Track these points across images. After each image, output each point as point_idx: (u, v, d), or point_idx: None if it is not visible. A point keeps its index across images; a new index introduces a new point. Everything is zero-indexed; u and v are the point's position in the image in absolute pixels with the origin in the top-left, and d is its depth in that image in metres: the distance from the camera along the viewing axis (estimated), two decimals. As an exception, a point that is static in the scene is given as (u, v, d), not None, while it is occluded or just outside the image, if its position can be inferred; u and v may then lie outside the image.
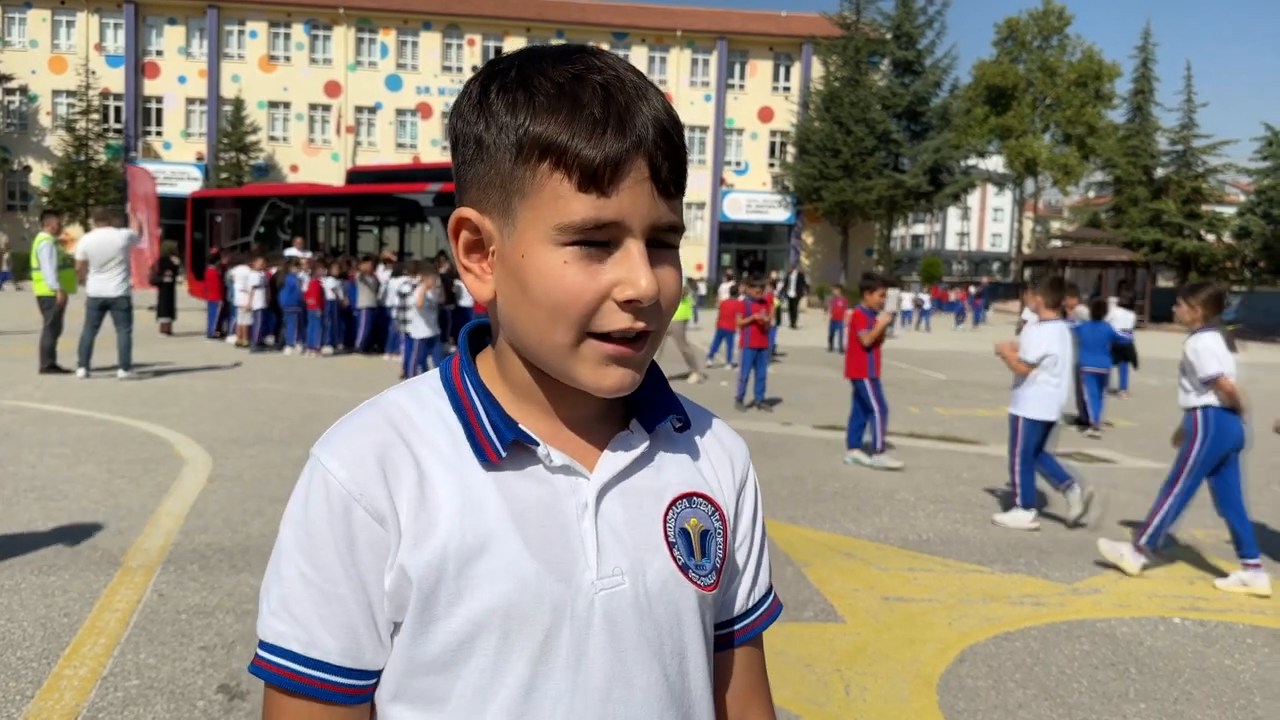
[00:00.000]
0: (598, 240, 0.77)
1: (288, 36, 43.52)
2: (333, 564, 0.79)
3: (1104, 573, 5.27)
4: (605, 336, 0.79)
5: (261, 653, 0.80)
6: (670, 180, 0.78)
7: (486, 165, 0.79)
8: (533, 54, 0.81)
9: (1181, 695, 3.73)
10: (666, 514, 0.86)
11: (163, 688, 3.35)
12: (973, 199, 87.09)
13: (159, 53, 42.93)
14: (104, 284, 10.82)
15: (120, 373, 10.97)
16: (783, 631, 4.15)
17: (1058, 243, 48.10)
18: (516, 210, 0.78)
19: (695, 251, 45.48)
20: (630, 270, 0.77)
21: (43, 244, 11.06)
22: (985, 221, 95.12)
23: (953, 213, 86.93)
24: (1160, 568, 5.43)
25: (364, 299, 15.44)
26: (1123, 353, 12.93)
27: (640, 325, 0.79)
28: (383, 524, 0.79)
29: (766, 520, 5.17)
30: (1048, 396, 6.17)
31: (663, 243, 0.80)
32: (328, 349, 15.41)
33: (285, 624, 0.79)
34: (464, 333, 0.90)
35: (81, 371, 10.87)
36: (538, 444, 0.82)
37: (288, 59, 43.50)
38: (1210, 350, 5.13)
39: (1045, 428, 6.24)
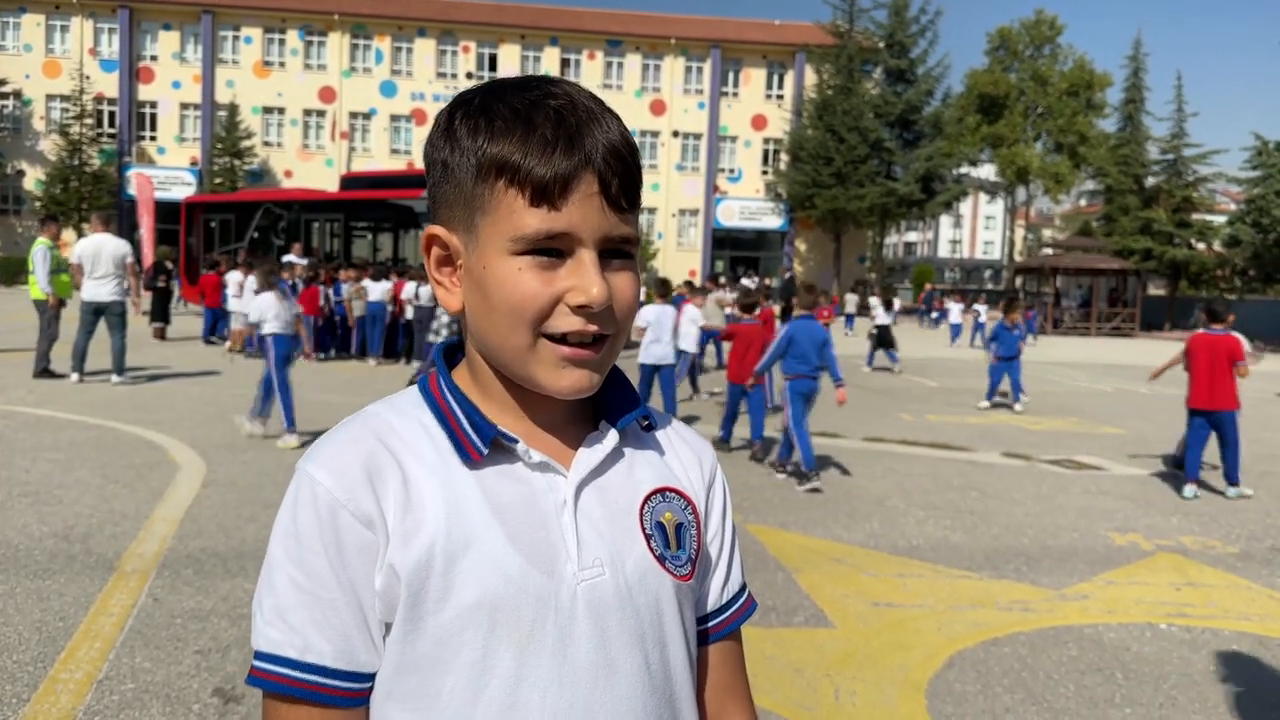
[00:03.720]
0: (551, 249, 0.82)
1: (282, 42, 43.54)
2: (323, 569, 0.81)
3: (1092, 579, 5.32)
4: (561, 340, 0.84)
5: (258, 663, 0.83)
6: (620, 195, 0.84)
7: (452, 186, 0.86)
8: (497, 85, 0.88)
9: (1167, 700, 3.78)
10: (642, 508, 0.91)
11: (158, 691, 3.38)
12: (965, 207, 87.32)
13: (153, 58, 42.91)
14: (98, 289, 10.82)
15: (114, 377, 10.96)
16: (773, 636, 4.19)
17: (1049, 251, 48.29)
18: (478, 225, 0.84)
19: (689, 258, 45.56)
20: (582, 278, 0.82)
21: (39, 248, 11.07)
22: (977, 229, 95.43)
23: (945, 220, 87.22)
24: (1148, 575, 5.49)
25: (357, 307, 15.47)
26: (882, 339, 17.35)
27: (593, 329, 0.84)
28: (370, 527, 0.82)
29: (759, 526, 5.18)
30: (651, 348, 9.33)
31: (618, 252, 0.86)
32: (319, 354, 15.45)
33: (280, 632, 0.82)
34: (438, 349, 0.96)
35: (75, 376, 10.86)
36: (516, 441, 0.87)
37: (282, 65, 43.51)
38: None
39: (650, 370, 9.39)
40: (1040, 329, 31.26)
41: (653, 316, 9.36)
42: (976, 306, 27.93)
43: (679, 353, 10.42)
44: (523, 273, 0.82)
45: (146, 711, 3.23)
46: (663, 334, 9.38)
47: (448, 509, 0.83)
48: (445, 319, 12.07)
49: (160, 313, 17.52)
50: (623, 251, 0.86)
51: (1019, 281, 43.92)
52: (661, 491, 0.93)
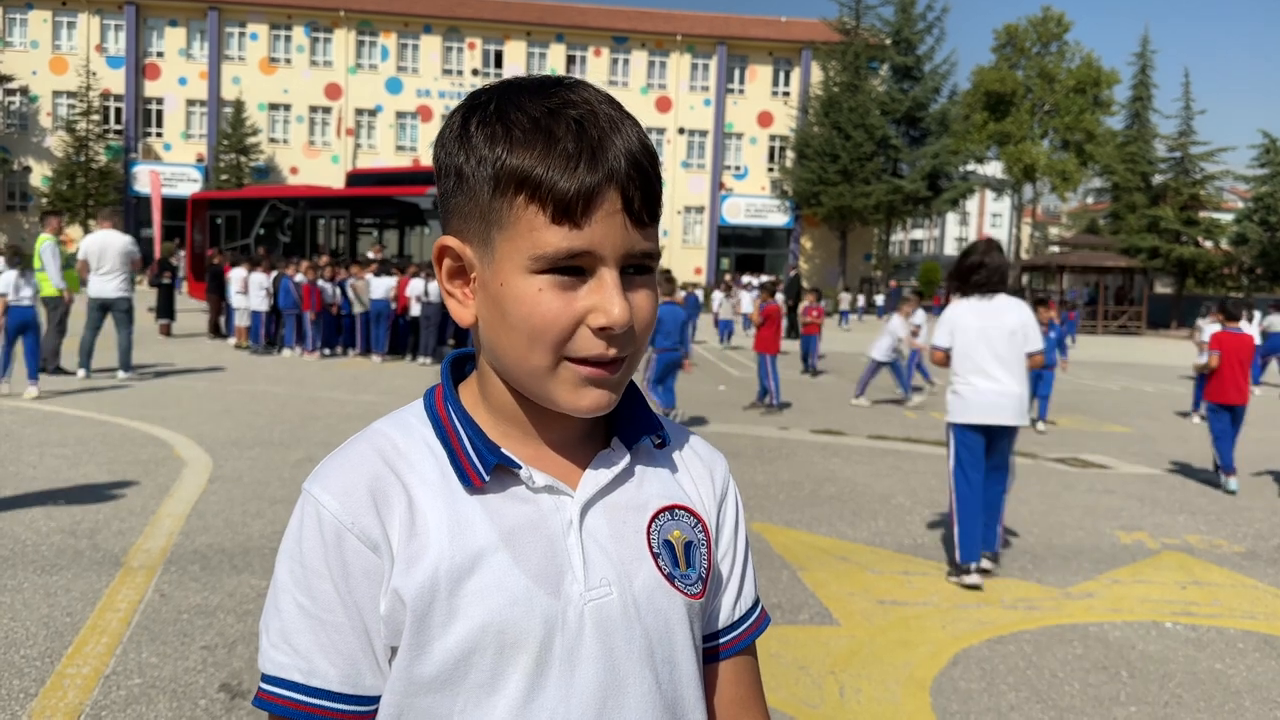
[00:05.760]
0: (572, 268, 0.80)
1: (288, 39, 43.58)
2: (328, 594, 0.81)
3: (1097, 577, 5.31)
4: (581, 360, 0.82)
5: (264, 685, 0.83)
6: (643, 210, 0.81)
7: (466, 197, 0.83)
8: (512, 87, 0.84)
9: (1172, 699, 3.77)
10: (649, 526, 0.89)
11: (165, 686, 3.39)
12: (971, 204, 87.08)
13: (160, 54, 42.99)
14: (104, 285, 10.86)
15: (120, 374, 11.00)
16: (778, 634, 4.19)
17: (1056, 248, 48.19)
18: (495, 240, 0.81)
19: (694, 255, 45.55)
20: (604, 298, 0.80)
21: (45, 244, 11.10)
22: (984, 227, 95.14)
23: (951, 218, 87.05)
24: (1154, 573, 5.48)
25: (357, 304, 15.50)
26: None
27: (613, 352, 0.82)
28: (375, 551, 0.81)
29: (764, 524, 5.18)
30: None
31: (639, 268, 0.84)
32: (325, 350, 15.48)
33: (286, 655, 0.82)
34: (446, 362, 0.93)
35: (82, 372, 10.89)
36: (520, 467, 0.85)
37: (288, 61, 43.56)
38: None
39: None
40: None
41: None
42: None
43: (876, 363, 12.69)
44: (543, 293, 0.79)
45: (153, 707, 3.24)
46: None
47: (452, 532, 0.82)
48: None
49: (165, 309, 17.58)
50: (643, 266, 0.84)
51: (1025, 279, 43.83)
52: (670, 509, 0.92)
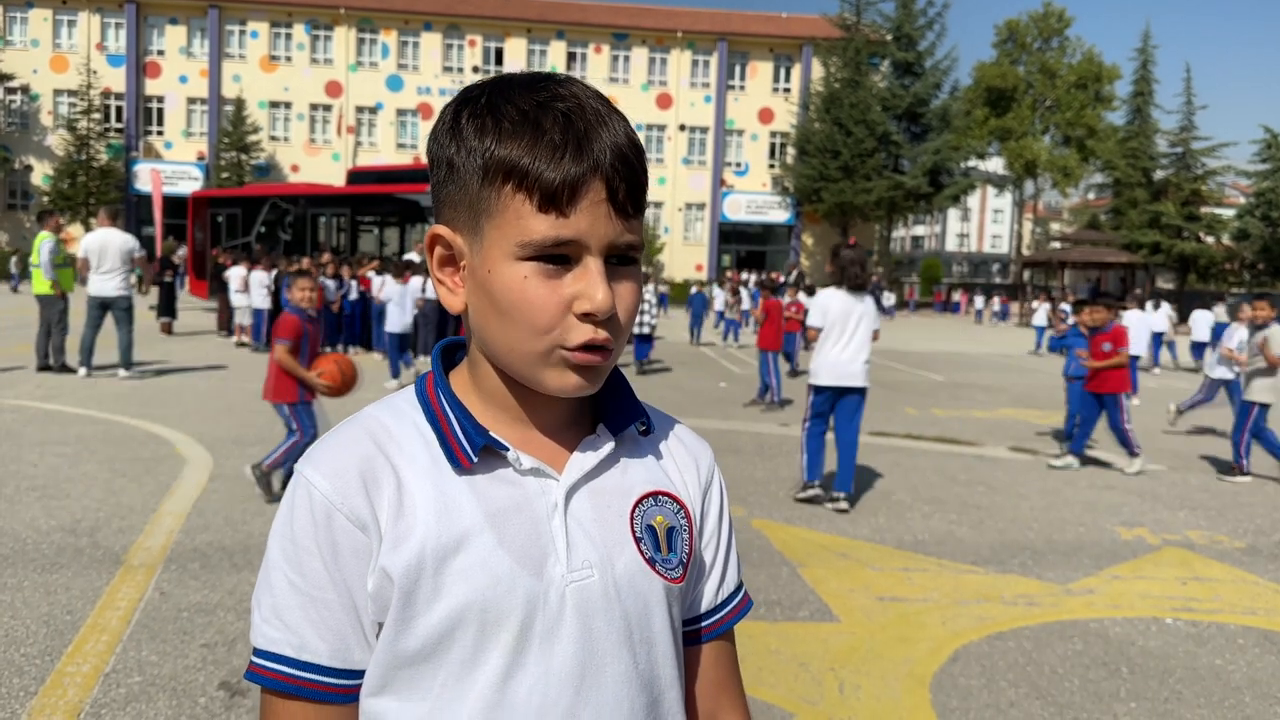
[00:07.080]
0: (558, 256, 0.82)
1: (289, 36, 43.57)
2: (319, 571, 0.84)
3: (1097, 574, 5.31)
4: (572, 349, 0.84)
5: (255, 659, 0.85)
6: (627, 201, 0.83)
7: (456, 186, 0.85)
8: (503, 82, 0.87)
9: (1172, 695, 3.77)
10: (633, 511, 0.92)
11: (165, 684, 3.39)
12: (972, 200, 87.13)
13: (160, 52, 42.99)
14: (104, 284, 10.86)
15: (121, 372, 11.00)
16: (777, 631, 4.19)
17: (1057, 244, 48.14)
18: (484, 228, 0.84)
19: (695, 252, 45.53)
20: (588, 285, 0.82)
21: (43, 242, 11.11)
22: (985, 223, 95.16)
23: (952, 214, 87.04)
24: (1154, 569, 5.48)
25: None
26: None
27: (602, 336, 0.84)
28: (364, 530, 0.84)
29: (764, 520, 5.17)
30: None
31: (623, 259, 0.85)
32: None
33: (277, 630, 0.84)
34: (437, 350, 0.96)
35: (83, 370, 10.91)
36: (507, 449, 0.88)
37: (289, 59, 43.55)
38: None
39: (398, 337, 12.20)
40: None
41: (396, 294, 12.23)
42: (1064, 306, 21.65)
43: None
44: (528, 280, 0.82)
45: (153, 705, 3.24)
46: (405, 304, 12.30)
47: (439, 512, 0.84)
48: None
49: (167, 307, 17.58)
50: (626, 257, 0.86)
51: (1027, 275, 43.80)
52: (654, 495, 0.94)
